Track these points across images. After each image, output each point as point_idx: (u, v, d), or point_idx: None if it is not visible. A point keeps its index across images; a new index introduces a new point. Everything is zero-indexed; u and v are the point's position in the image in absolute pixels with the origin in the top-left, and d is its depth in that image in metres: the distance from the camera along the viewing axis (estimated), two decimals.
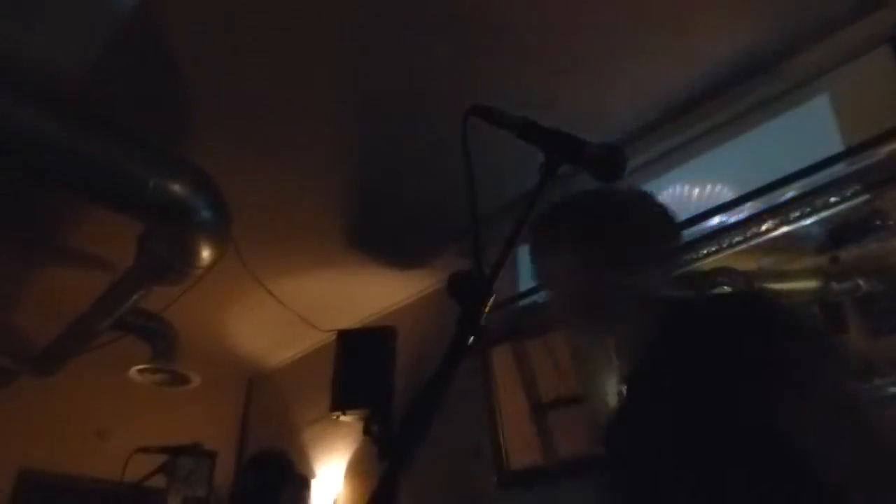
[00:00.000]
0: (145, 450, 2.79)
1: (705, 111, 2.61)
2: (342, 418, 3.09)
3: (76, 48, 2.32)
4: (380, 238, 3.52)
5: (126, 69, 2.43)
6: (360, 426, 3.13)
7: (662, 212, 1.12)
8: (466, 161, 0.86)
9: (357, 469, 3.78)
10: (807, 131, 2.36)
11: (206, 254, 2.77)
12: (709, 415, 0.86)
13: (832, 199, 2.21)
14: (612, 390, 2.87)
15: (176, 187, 2.52)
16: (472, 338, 0.66)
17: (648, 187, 2.78)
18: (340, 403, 3.05)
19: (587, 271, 1.04)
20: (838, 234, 2.22)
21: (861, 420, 0.84)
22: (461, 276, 0.74)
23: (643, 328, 1.00)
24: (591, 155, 0.90)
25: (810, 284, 2.24)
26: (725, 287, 2.41)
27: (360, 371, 3.14)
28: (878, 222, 2.15)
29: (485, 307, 0.70)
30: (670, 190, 2.76)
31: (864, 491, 0.79)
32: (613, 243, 1.05)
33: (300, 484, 2.54)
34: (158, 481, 2.70)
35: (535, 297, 3.14)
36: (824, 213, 2.23)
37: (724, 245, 2.44)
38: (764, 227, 2.35)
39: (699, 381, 0.89)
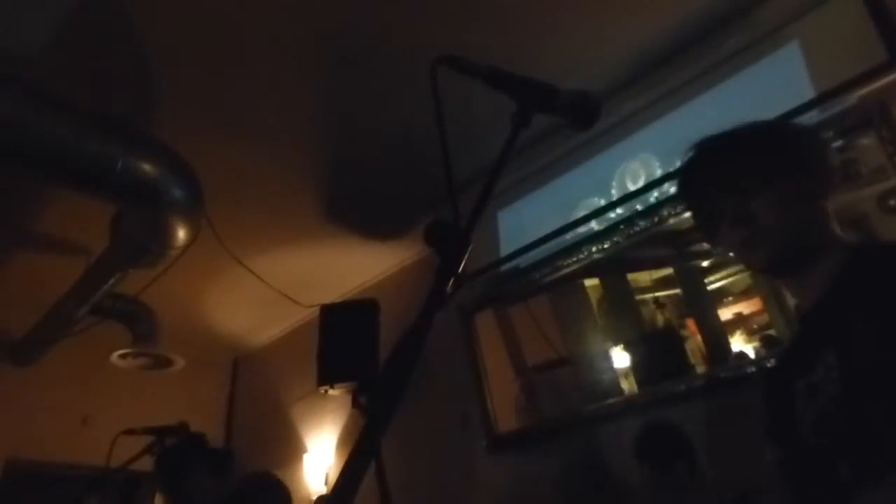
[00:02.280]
0: (131, 432, 2.77)
1: (679, 64, 2.60)
2: (330, 392, 3.07)
3: (36, 27, 2.24)
4: (358, 210, 3.49)
5: (89, 48, 2.36)
6: (348, 399, 3.12)
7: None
8: (437, 110, 0.84)
9: (348, 441, 3.80)
10: (780, 79, 2.36)
11: (181, 233, 2.72)
12: None
13: None
14: (598, 352, 2.90)
15: (146, 167, 2.47)
16: (451, 282, 0.64)
17: (626, 143, 2.83)
18: (327, 377, 3.02)
19: (805, 204, 0.96)
20: None
21: None
22: (438, 225, 0.72)
23: (832, 266, 0.93)
24: (565, 102, 0.88)
25: None
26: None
27: (345, 344, 3.12)
28: (851, 171, 2.17)
29: (463, 254, 0.68)
30: (650, 142, 2.76)
31: None
32: (823, 173, 1.00)
33: (215, 457, 2.48)
34: (147, 464, 2.67)
35: (515, 262, 3.14)
36: None
37: None
38: None
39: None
